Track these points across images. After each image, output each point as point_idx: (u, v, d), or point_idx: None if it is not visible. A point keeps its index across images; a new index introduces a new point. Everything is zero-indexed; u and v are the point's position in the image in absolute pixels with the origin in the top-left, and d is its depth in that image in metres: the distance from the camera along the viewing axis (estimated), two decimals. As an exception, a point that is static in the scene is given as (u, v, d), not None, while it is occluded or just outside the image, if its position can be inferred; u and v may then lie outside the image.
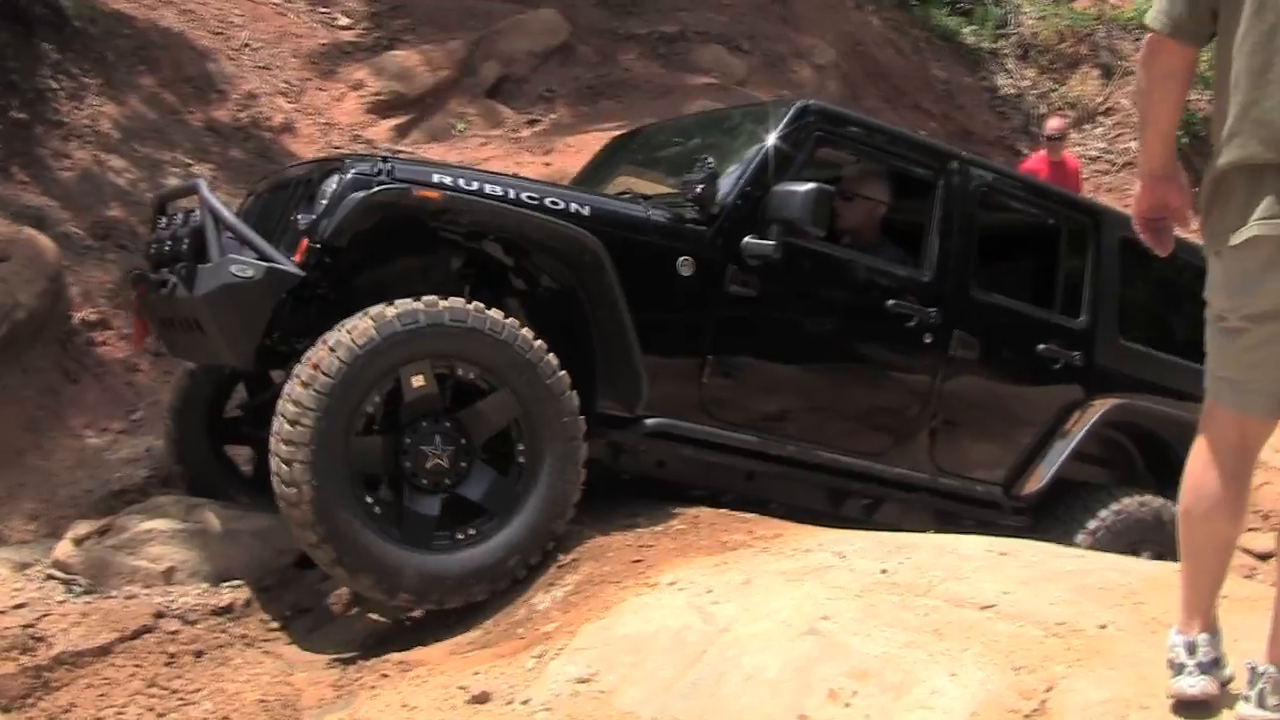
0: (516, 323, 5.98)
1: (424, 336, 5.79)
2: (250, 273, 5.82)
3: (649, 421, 6.51)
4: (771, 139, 6.85)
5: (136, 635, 6.26)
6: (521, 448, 6.02)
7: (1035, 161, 14.74)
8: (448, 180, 6.11)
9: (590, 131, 13.58)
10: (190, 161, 11.47)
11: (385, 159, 6.10)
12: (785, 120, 6.91)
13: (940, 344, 7.24)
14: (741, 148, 7.08)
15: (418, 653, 5.85)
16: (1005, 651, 4.50)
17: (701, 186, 6.45)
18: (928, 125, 17.21)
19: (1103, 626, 4.69)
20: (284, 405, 5.70)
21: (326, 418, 5.63)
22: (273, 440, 5.73)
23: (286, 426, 5.66)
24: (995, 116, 18.33)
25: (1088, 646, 4.53)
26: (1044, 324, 7.75)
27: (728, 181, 6.67)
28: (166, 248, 6.48)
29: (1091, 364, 7.83)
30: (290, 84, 13.56)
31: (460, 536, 5.95)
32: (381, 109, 13.81)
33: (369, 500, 5.83)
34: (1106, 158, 18.30)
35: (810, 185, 6.46)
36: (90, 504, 7.91)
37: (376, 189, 5.87)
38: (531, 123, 14.32)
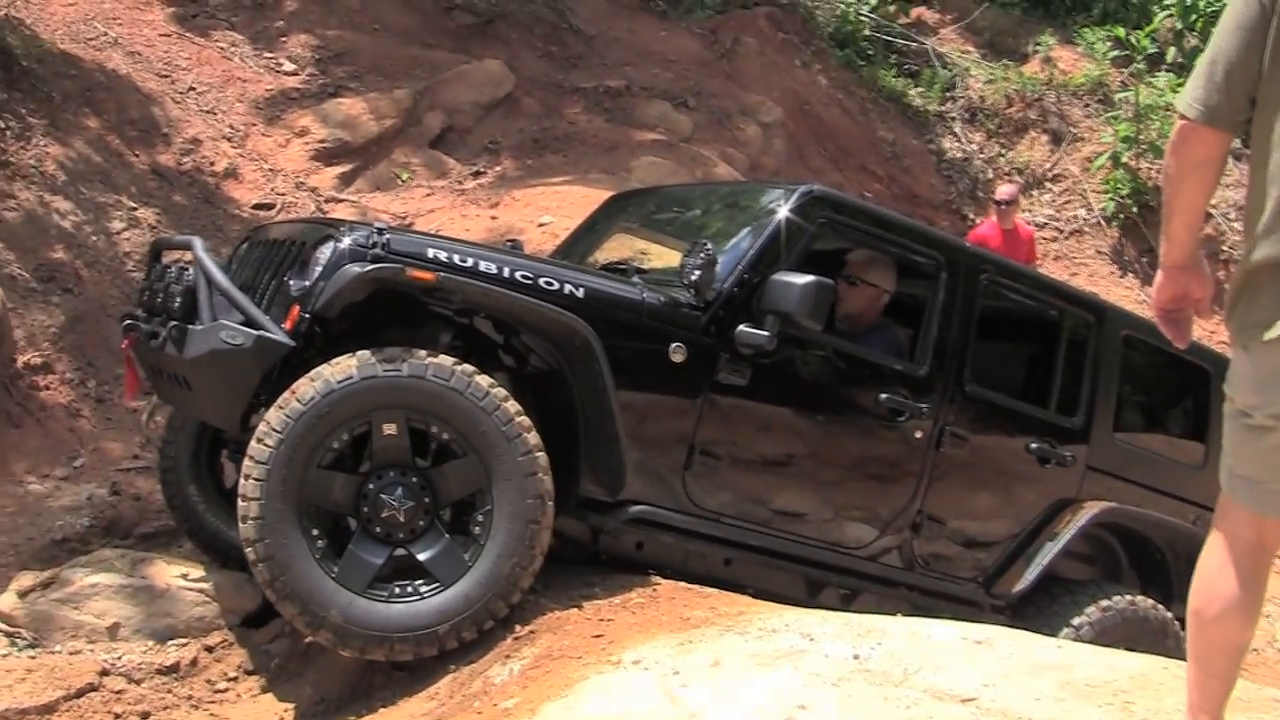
0: (503, 393, 5.88)
1: (402, 386, 5.72)
2: (240, 340, 5.76)
3: (631, 508, 6.42)
4: (774, 225, 6.70)
5: (81, 694, 6.14)
6: (480, 519, 5.92)
7: (987, 229, 14.59)
8: (442, 257, 6.01)
9: (536, 185, 13.55)
10: (135, 205, 11.35)
11: (381, 229, 6.00)
12: (789, 206, 6.76)
13: (930, 440, 7.13)
14: (742, 229, 6.95)
15: (367, 724, 5.76)
16: (988, 750, 4.44)
17: (699, 272, 6.35)
18: (873, 187, 17.20)
19: (1089, 726, 4.62)
20: (260, 426, 5.69)
21: (290, 442, 5.60)
22: (245, 459, 5.70)
23: (255, 444, 5.63)
24: (942, 180, 18.30)
25: (1073, 748, 4.46)
26: (1038, 421, 7.64)
27: (725, 266, 6.53)
28: (159, 298, 6.43)
29: (1084, 462, 7.72)
30: (235, 129, 13.44)
31: (398, 590, 5.84)
32: (326, 156, 13.70)
33: (314, 533, 5.73)
34: (1054, 224, 18.27)
35: (809, 279, 6.34)
36: (31, 552, 7.73)
37: (371, 266, 5.78)
38: (476, 174, 14.26)
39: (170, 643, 6.70)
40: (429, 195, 13.54)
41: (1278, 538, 3.86)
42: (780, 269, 6.51)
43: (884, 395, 6.95)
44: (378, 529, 5.83)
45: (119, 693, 6.21)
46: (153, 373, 6.83)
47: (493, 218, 12.71)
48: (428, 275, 5.86)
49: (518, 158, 14.65)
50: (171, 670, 6.55)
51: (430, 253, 6.02)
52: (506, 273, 6.10)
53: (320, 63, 15.00)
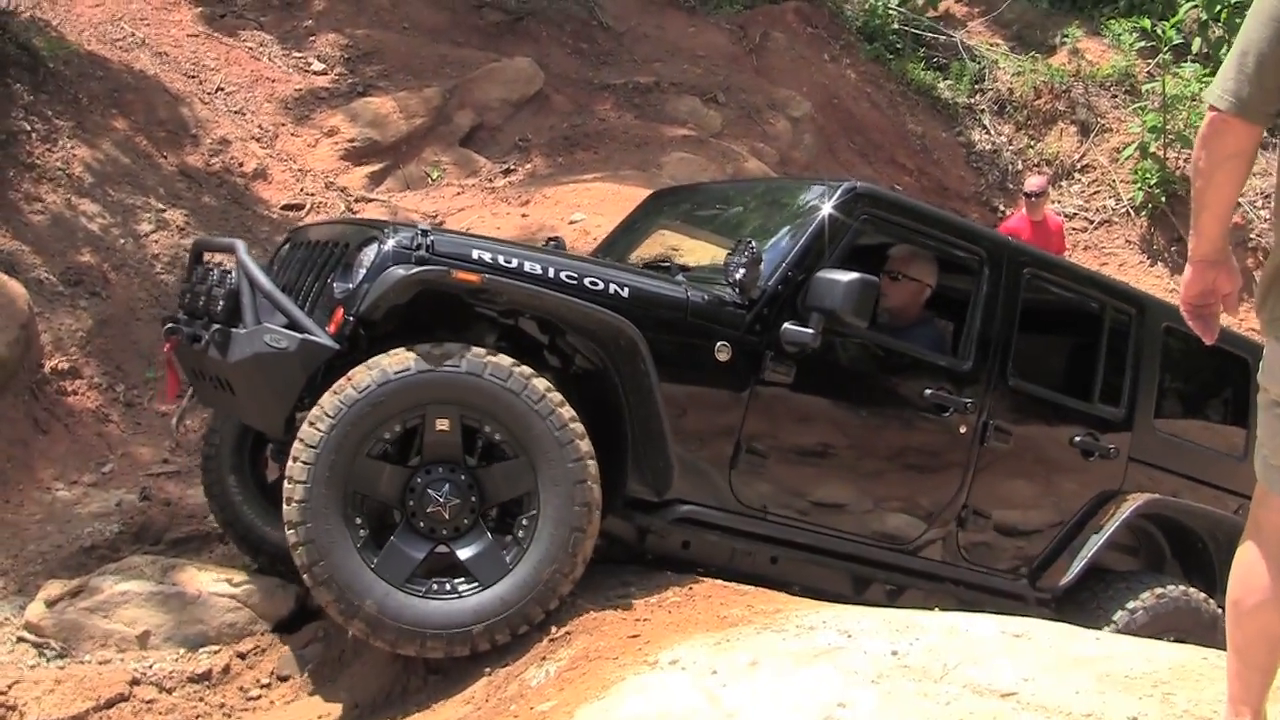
0: (558, 398, 5.83)
1: (459, 383, 5.69)
2: (284, 344, 5.72)
3: (678, 507, 6.36)
4: (818, 222, 6.66)
5: (111, 704, 6.10)
6: (525, 523, 5.86)
7: (1016, 221, 14.53)
8: (487, 258, 5.95)
9: (567, 183, 13.48)
10: (163, 207, 11.29)
11: (425, 231, 5.95)
12: (833, 203, 6.71)
13: (975, 434, 7.10)
14: (786, 226, 6.90)
15: (405, 729, 5.69)
16: (1032, 746, 4.35)
17: (744, 270, 6.28)
18: (903, 180, 17.14)
19: (1131, 718, 4.53)
20: (313, 410, 5.65)
21: (341, 428, 5.56)
22: (295, 443, 5.66)
23: (307, 428, 5.61)
24: (971, 172, 18.22)
25: (1118, 742, 4.38)
26: (1081, 414, 7.60)
27: (769, 264, 6.48)
28: (201, 301, 6.40)
29: (1126, 454, 7.70)
30: (264, 129, 13.40)
31: (435, 587, 5.78)
32: (355, 156, 13.65)
33: (358, 521, 5.68)
34: (1084, 215, 18.18)
35: (854, 276, 6.30)
36: (59, 560, 7.69)
37: (417, 268, 5.73)
38: (507, 172, 14.20)
39: (202, 650, 6.66)
40: (459, 194, 13.47)
41: None
42: (824, 266, 6.48)
43: (928, 390, 6.90)
44: (421, 523, 5.77)
45: (150, 702, 6.17)
46: (194, 375, 6.79)
47: (523, 216, 12.64)
48: (473, 277, 5.80)
49: (548, 155, 14.60)
50: (203, 678, 6.49)
51: (475, 254, 5.96)
52: (551, 273, 6.05)
53: (349, 61, 14.96)
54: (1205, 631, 7.35)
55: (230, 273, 6.24)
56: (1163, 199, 18.32)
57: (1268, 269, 3.78)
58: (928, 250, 7.33)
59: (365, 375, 5.62)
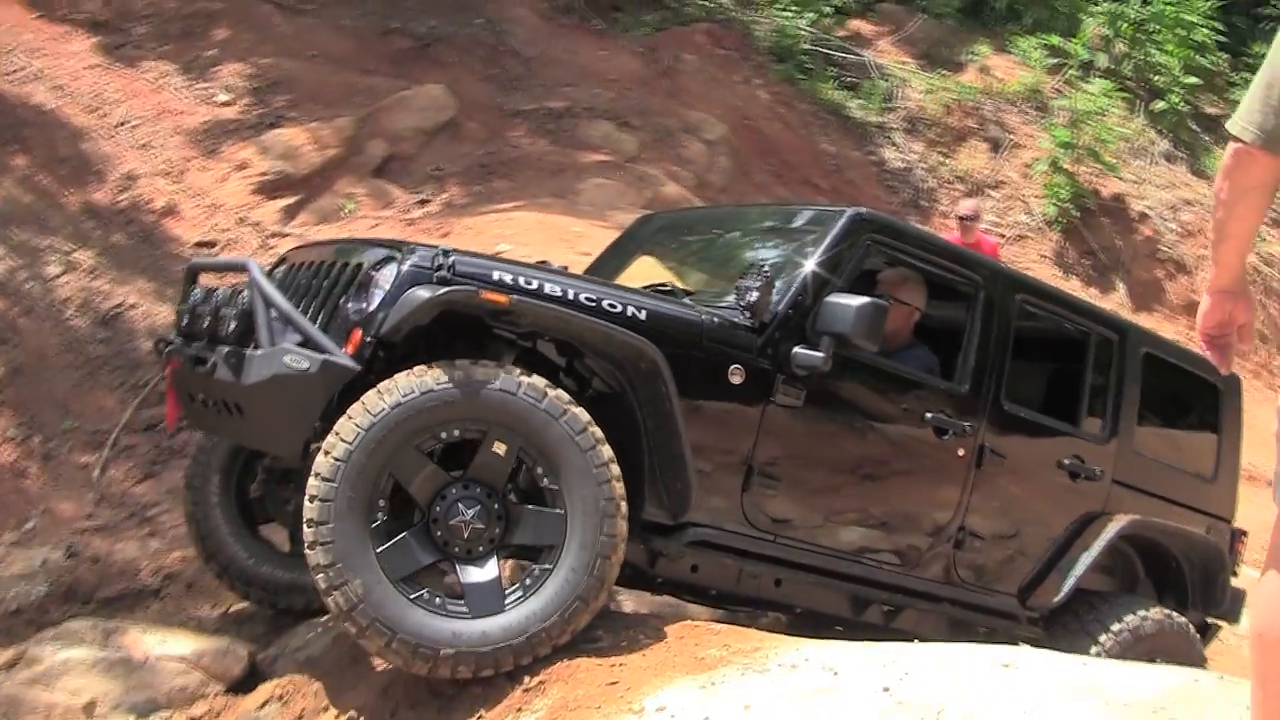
0: (599, 434, 5.75)
1: (524, 413, 5.63)
2: (305, 365, 5.56)
3: (692, 530, 6.29)
4: (824, 248, 6.69)
5: (63, 782, 5.70)
6: (537, 573, 5.74)
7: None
8: (508, 279, 5.85)
9: (487, 213, 13.22)
10: (71, 248, 10.89)
11: (445, 251, 5.81)
12: (838, 229, 6.75)
13: (972, 456, 7.18)
14: (789, 253, 6.94)
15: (379, 792, 5.35)
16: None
17: (757, 294, 6.31)
18: (818, 200, 16.98)
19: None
20: (384, 384, 5.53)
21: (406, 409, 5.48)
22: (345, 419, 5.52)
23: (373, 396, 5.51)
24: (884, 190, 18.16)
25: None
26: (1068, 438, 7.74)
27: (780, 289, 6.51)
28: (205, 323, 6.26)
29: (1110, 476, 7.82)
30: (171, 164, 12.97)
31: (426, 596, 5.60)
32: (268, 189, 13.24)
33: (380, 504, 5.55)
34: (997, 230, 18.14)
35: (865, 300, 6.32)
36: (-14, 627, 7.28)
37: (444, 290, 5.60)
38: (422, 202, 13.87)
39: (153, 717, 6.33)
40: (375, 226, 13.13)
41: None
42: (832, 291, 6.51)
43: (929, 414, 6.97)
44: (439, 533, 5.65)
45: (102, 776, 5.75)
46: (193, 400, 6.54)
47: (442, 247, 12.29)
48: (502, 298, 5.70)
49: (464, 184, 14.30)
50: (159, 747, 6.10)
51: (496, 275, 5.85)
52: (572, 295, 5.97)
53: (256, 92, 14.57)
54: (1184, 651, 7.62)
55: (241, 292, 6.07)
56: (1075, 213, 18.56)
57: None
58: (918, 274, 7.39)
59: (446, 373, 5.53)
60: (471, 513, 5.64)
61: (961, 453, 7.11)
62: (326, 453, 5.44)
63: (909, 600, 7.20)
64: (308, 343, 5.68)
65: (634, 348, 5.97)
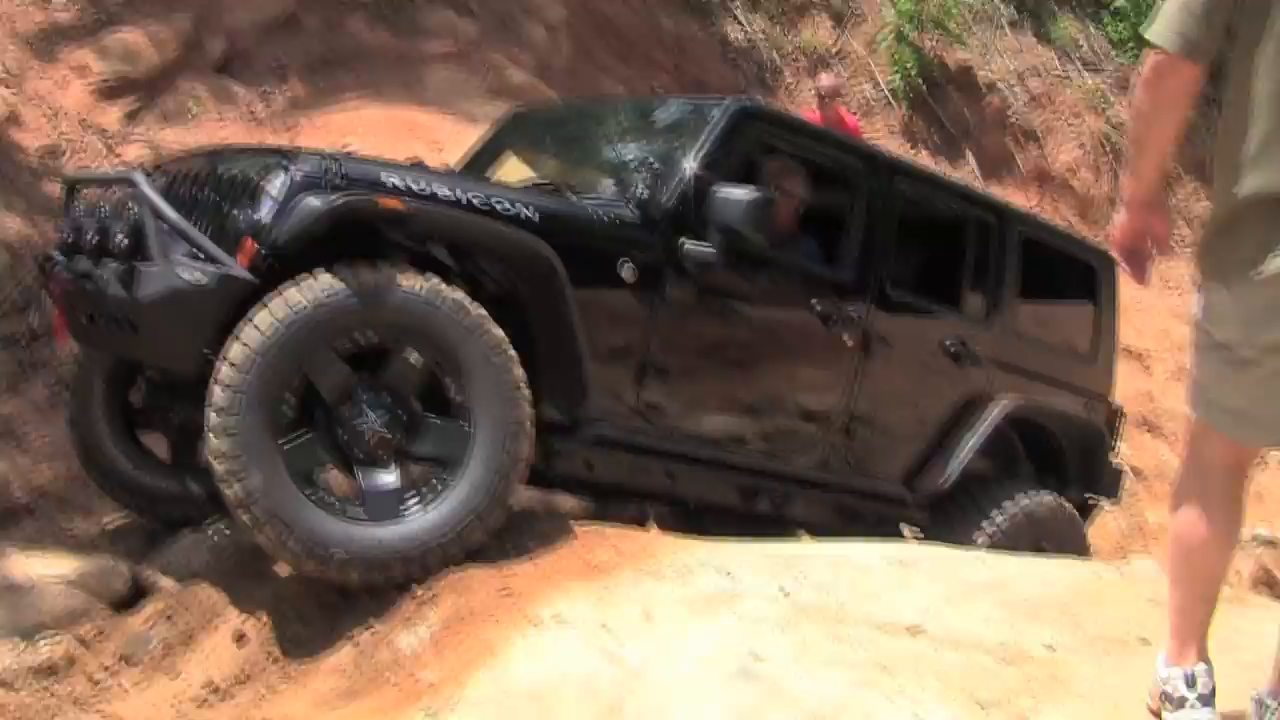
0: (513, 354, 5.84)
1: (441, 321, 5.68)
2: (201, 278, 5.54)
3: (589, 428, 6.41)
4: (710, 141, 6.73)
5: (-46, 709, 5.76)
6: (437, 485, 5.82)
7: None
8: (400, 184, 5.83)
9: (333, 108, 13.13)
10: (-86, 162, 10.67)
11: (335, 157, 5.84)
12: (722, 121, 6.80)
13: (858, 344, 7.28)
14: (673, 147, 6.93)
15: (279, 708, 5.44)
16: (962, 685, 4.29)
17: (646, 188, 6.44)
18: (661, 79, 16.98)
19: (1050, 648, 4.53)
20: (306, 279, 5.53)
21: (321, 310, 5.51)
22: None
23: (292, 290, 5.51)
24: (728, 67, 18.07)
25: (1045, 674, 4.35)
26: (950, 321, 7.91)
27: (667, 184, 6.56)
28: (90, 237, 6.13)
29: (991, 359, 7.97)
30: (8, 71, 12.67)
31: (323, 498, 5.69)
32: (109, 93, 12.91)
33: (288, 399, 5.60)
34: (843, 104, 18.16)
35: (753, 192, 6.46)
36: None
37: (340, 198, 5.58)
38: (265, 98, 13.70)
39: (40, 639, 6.30)
40: (222, 126, 12.94)
41: (1251, 462, 3.97)
42: (720, 183, 6.54)
43: (816, 303, 7.07)
44: (343, 434, 5.69)
45: (-3, 702, 5.82)
46: (80, 317, 6.41)
47: (293, 144, 12.21)
48: (398, 204, 5.72)
49: (307, 79, 14.10)
50: (48, 670, 6.16)
51: (387, 179, 5.84)
52: (464, 198, 5.99)
53: (90, -8, 14.21)
54: (1070, 536, 7.88)
55: (128, 206, 6.00)
56: (921, 85, 18.49)
57: (1215, 211, 3.80)
58: (804, 163, 7.46)
59: (369, 277, 5.55)
60: (376, 417, 5.65)
61: (848, 340, 7.20)
62: (242, 341, 5.38)
63: (798, 489, 7.32)
64: (201, 256, 5.62)
65: (529, 248, 6.00)
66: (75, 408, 7.25)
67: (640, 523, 7.88)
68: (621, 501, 7.70)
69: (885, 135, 18.07)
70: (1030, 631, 4.68)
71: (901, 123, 18.49)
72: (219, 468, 5.47)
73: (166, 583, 6.73)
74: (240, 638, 6.07)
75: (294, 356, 5.49)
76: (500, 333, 5.80)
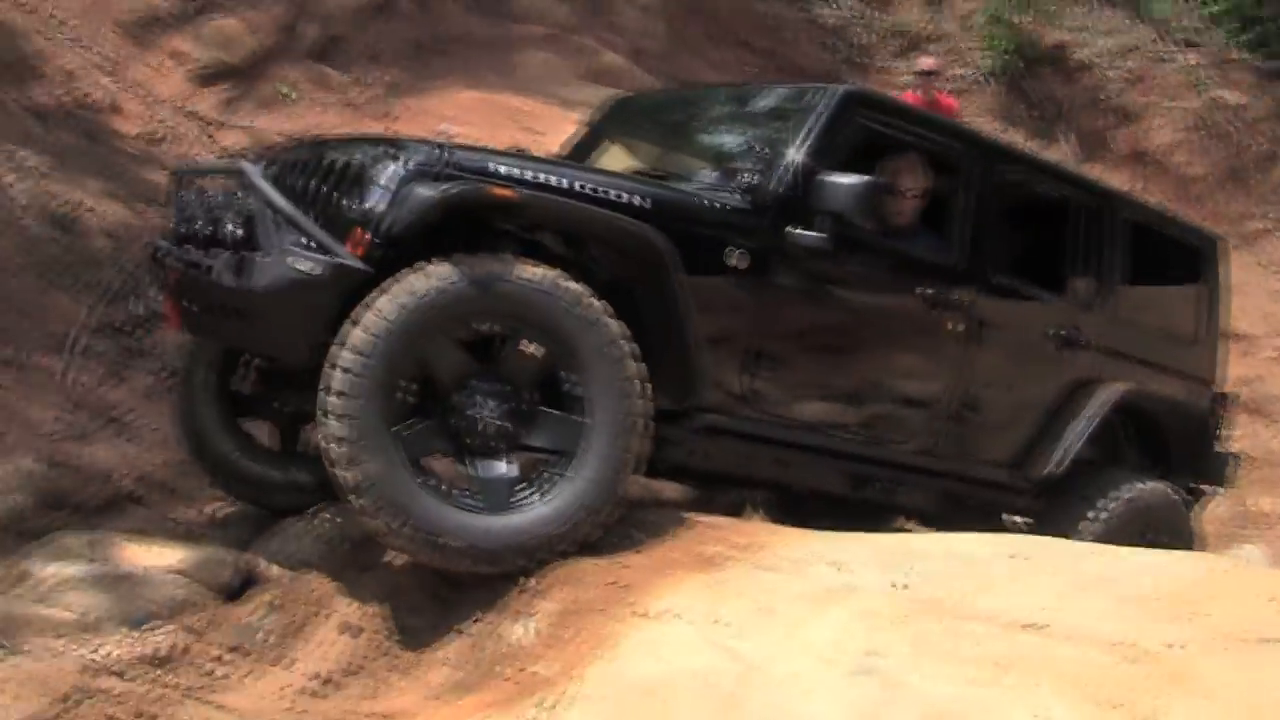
0: (631, 348, 5.85)
1: (563, 315, 5.71)
2: (313, 268, 5.55)
3: (699, 416, 6.42)
4: (818, 127, 6.71)
5: (72, 698, 5.76)
6: (549, 477, 5.84)
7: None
8: (514, 173, 5.86)
9: (430, 93, 13.16)
10: (20, 149, 10.71)
11: (445, 147, 5.78)
12: (830, 107, 6.79)
13: (966, 329, 7.27)
14: (780, 133, 6.87)
15: (391, 701, 5.45)
16: (1082, 684, 4.22)
17: (755, 176, 6.46)
18: (755, 62, 16.92)
19: (1170, 645, 4.43)
20: (429, 265, 5.57)
21: (438, 296, 5.52)
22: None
23: (412, 275, 5.53)
24: (821, 49, 17.99)
25: (1166, 672, 4.26)
26: (1056, 306, 7.84)
27: (776, 171, 6.55)
28: (201, 228, 6.17)
29: (1098, 344, 7.89)
30: (108, 58, 12.74)
31: (441, 487, 5.73)
32: (207, 79, 13.01)
33: (402, 384, 5.61)
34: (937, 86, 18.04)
35: (860, 178, 6.44)
36: (-32, 543, 7.30)
37: (453, 186, 5.60)
38: (361, 85, 13.73)
39: (150, 629, 6.31)
40: (320, 111, 13.01)
41: None
42: (827, 170, 6.52)
43: (924, 290, 7.05)
44: (459, 423, 5.72)
45: (110, 692, 5.83)
46: (190, 306, 6.46)
47: (392, 131, 12.24)
48: (510, 192, 5.73)
49: (403, 64, 14.14)
50: (157, 659, 6.16)
51: (497, 168, 5.87)
52: (575, 185, 6.00)
53: (185, -22, 14.29)
54: (1178, 525, 7.80)
55: (237, 195, 6.04)
56: (1017, 64, 18.29)
57: None
58: (917, 153, 7.37)
59: (489, 266, 5.59)
60: (492, 407, 5.68)
61: (956, 326, 7.19)
62: (360, 326, 5.42)
63: (907, 476, 7.30)
64: (312, 245, 5.65)
65: (639, 236, 5.99)
66: (183, 396, 7.30)
67: (739, 511, 7.87)
68: (723, 489, 7.67)
69: (980, 116, 17.87)
70: (1149, 627, 4.60)
71: (996, 103, 18.29)
72: (333, 452, 5.50)
73: (275, 572, 6.75)
74: (350, 628, 6.10)
75: (412, 343, 5.50)
76: (619, 326, 5.80)
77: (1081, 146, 18.26)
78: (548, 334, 5.70)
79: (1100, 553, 5.69)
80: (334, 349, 5.48)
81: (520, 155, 6.42)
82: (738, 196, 6.48)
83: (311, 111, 13.00)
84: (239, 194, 6.07)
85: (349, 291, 5.58)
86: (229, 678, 6.08)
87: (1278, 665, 4.13)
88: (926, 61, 14.67)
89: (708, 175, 6.93)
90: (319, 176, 6.03)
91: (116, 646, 6.16)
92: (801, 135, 6.69)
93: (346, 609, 6.17)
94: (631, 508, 6.31)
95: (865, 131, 6.98)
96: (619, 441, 5.79)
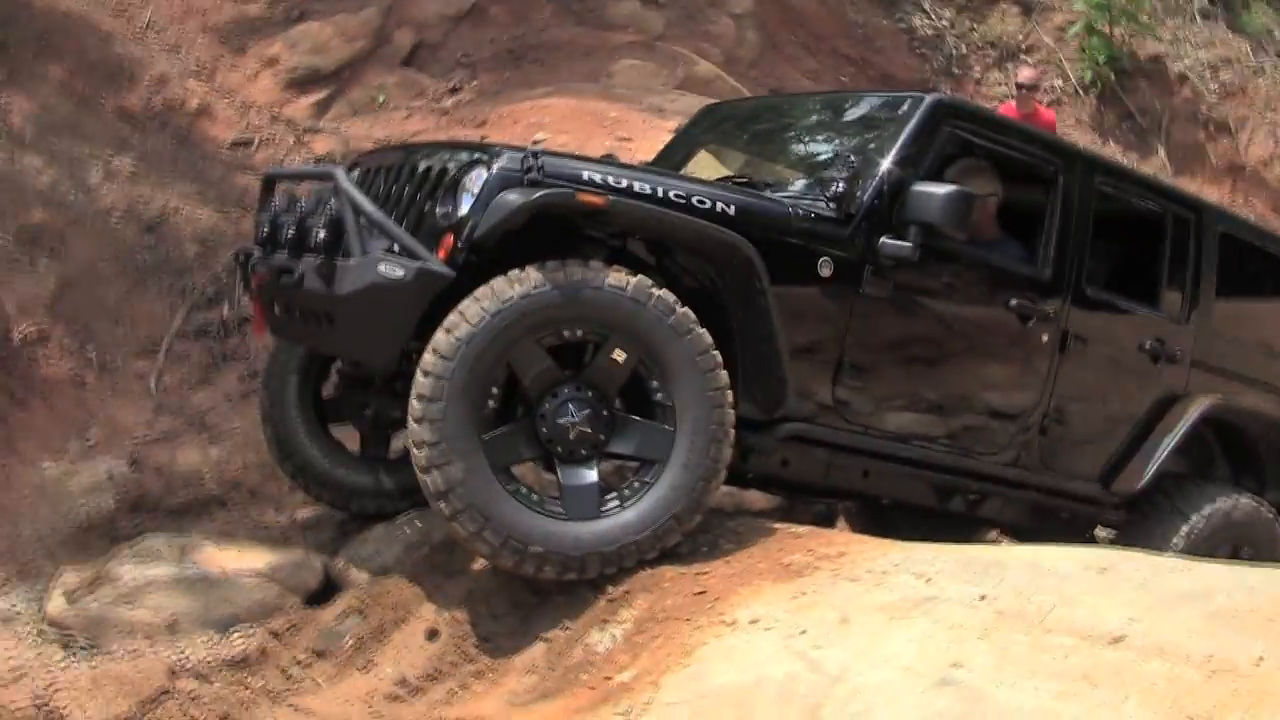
0: (719, 357, 5.82)
1: (650, 323, 5.68)
2: (400, 273, 5.55)
3: (785, 425, 6.35)
4: (907, 136, 6.62)
5: (155, 700, 5.80)
6: (636, 485, 5.82)
7: (1004, 113, 13.64)
8: (598, 178, 5.84)
9: (522, 101, 13.10)
10: (110, 154, 10.78)
11: (534, 153, 5.79)
12: (920, 116, 6.69)
13: (1055, 342, 7.17)
14: (869, 142, 6.84)
15: (472, 706, 5.44)
16: (1168, 698, 4.11)
17: (844, 185, 6.36)
18: (847, 71, 16.81)
19: (1258, 662, 4.30)
20: (514, 272, 5.58)
21: (528, 300, 5.53)
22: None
23: (501, 281, 5.56)
24: (915, 59, 17.84)
25: (1255, 689, 4.14)
26: (1148, 320, 7.71)
27: (865, 180, 6.48)
28: (289, 233, 6.18)
29: (1189, 357, 7.75)
30: (201, 64, 12.81)
31: (524, 491, 5.72)
32: (298, 85, 13.07)
33: (493, 390, 5.64)
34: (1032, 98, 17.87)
35: (951, 188, 6.37)
36: (59, 541, 7.36)
37: (541, 193, 5.58)
38: (454, 91, 13.73)
39: (234, 632, 6.37)
40: (409, 117, 13.03)
41: None
42: (917, 180, 6.46)
43: (1014, 301, 6.97)
44: (545, 429, 5.71)
45: (192, 694, 5.86)
46: (278, 310, 6.51)
47: (482, 136, 12.21)
48: (598, 199, 5.72)
49: (494, 71, 14.13)
50: (241, 662, 6.23)
51: (585, 174, 5.84)
52: (662, 192, 5.96)
53: (279, -16, 14.35)
54: (1268, 539, 7.66)
55: (326, 200, 6.05)
56: (1111, 76, 18.05)
57: None
58: (1003, 159, 7.25)
59: (578, 273, 5.58)
60: (580, 414, 5.66)
61: (1045, 338, 7.11)
62: (449, 331, 5.43)
63: (994, 488, 7.22)
64: (399, 250, 5.64)
65: (727, 244, 5.95)
66: (269, 400, 7.28)
67: (826, 520, 7.78)
68: (810, 499, 7.58)
69: (1074, 127, 17.71)
70: (1237, 643, 4.48)
71: (1091, 115, 18.05)
72: (420, 456, 5.50)
73: (358, 576, 6.77)
74: (432, 633, 6.12)
75: (500, 349, 5.51)
76: (707, 335, 5.76)
77: (1176, 159, 17.97)
78: (637, 342, 5.68)
79: (1188, 566, 5.56)
80: (425, 354, 5.49)
81: (609, 162, 6.33)
82: (826, 205, 6.41)
83: (402, 117, 13.02)
84: (328, 199, 6.08)
85: (436, 297, 5.58)
86: (311, 681, 6.12)
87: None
88: (1026, 74, 14.52)
89: (797, 183, 6.88)
90: (408, 182, 6.06)
91: (200, 649, 6.22)
92: (891, 144, 6.63)
93: (429, 614, 6.19)
94: (716, 516, 6.30)
95: (955, 141, 6.89)
96: (706, 450, 5.75)
